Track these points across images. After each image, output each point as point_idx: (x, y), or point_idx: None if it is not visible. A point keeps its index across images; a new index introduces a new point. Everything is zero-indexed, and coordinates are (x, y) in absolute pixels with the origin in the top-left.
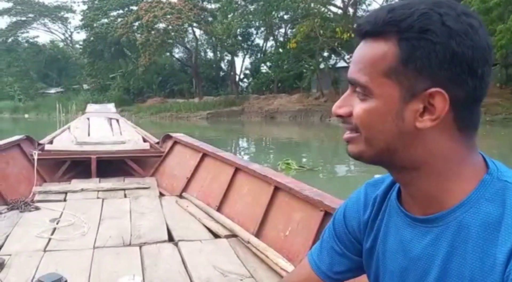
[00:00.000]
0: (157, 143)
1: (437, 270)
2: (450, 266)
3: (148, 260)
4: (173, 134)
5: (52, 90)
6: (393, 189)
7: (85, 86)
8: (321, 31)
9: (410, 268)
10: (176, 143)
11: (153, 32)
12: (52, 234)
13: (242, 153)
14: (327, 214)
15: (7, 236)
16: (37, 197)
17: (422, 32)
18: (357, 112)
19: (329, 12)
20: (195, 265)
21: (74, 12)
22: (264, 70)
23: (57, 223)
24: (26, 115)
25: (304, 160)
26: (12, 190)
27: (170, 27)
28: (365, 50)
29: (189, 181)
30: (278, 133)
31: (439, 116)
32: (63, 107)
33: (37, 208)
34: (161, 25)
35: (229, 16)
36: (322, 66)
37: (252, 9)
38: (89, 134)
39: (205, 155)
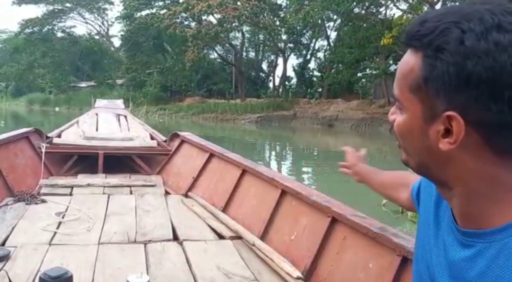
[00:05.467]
0: (165, 141)
1: None
2: None
3: (153, 258)
4: (181, 133)
5: (83, 84)
6: None
7: (118, 81)
8: None
9: (440, 273)
10: (183, 141)
11: (203, 23)
12: (57, 227)
13: (271, 160)
14: (334, 220)
15: (13, 228)
16: (43, 190)
17: (439, 51)
18: (395, 123)
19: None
20: (199, 265)
21: (112, 3)
22: (312, 73)
23: (62, 217)
24: (57, 109)
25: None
26: (19, 181)
27: (225, 19)
28: (401, 61)
29: (195, 180)
30: (333, 143)
31: (457, 140)
32: None
33: (43, 201)
34: (212, 17)
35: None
36: (392, 68)
37: None
38: (97, 130)
39: (212, 155)
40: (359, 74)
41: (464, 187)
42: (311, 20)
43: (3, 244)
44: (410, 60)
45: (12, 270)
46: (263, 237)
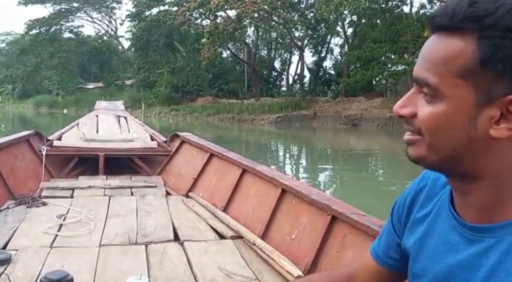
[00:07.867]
0: (165, 142)
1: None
2: (493, 280)
3: (154, 259)
4: (181, 134)
5: (91, 86)
6: (448, 186)
7: (127, 82)
8: None
9: (451, 275)
10: (183, 142)
11: (218, 19)
12: (58, 230)
13: (308, 172)
14: (334, 219)
15: (14, 231)
16: (44, 193)
17: (509, 30)
18: (423, 116)
19: None
20: (200, 265)
21: (120, 2)
22: (326, 70)
23: (63, 220)
24: (65, 111)
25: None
26: (20, 185)
27: (243, 13)
28: (437, 46)
29: (195, 180)
30: (354, 143)
31: None
32: None
33: (44, 204)
34: (226, 14)
35: None
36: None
37: None
38: (97, 132)
39: (212, 155)
40: (384, 70)
41: (495, 177)
42: (344, 11)
43: (4, 247)
44: (454, 44)
45: (13, 274)
46: (263, 236)
